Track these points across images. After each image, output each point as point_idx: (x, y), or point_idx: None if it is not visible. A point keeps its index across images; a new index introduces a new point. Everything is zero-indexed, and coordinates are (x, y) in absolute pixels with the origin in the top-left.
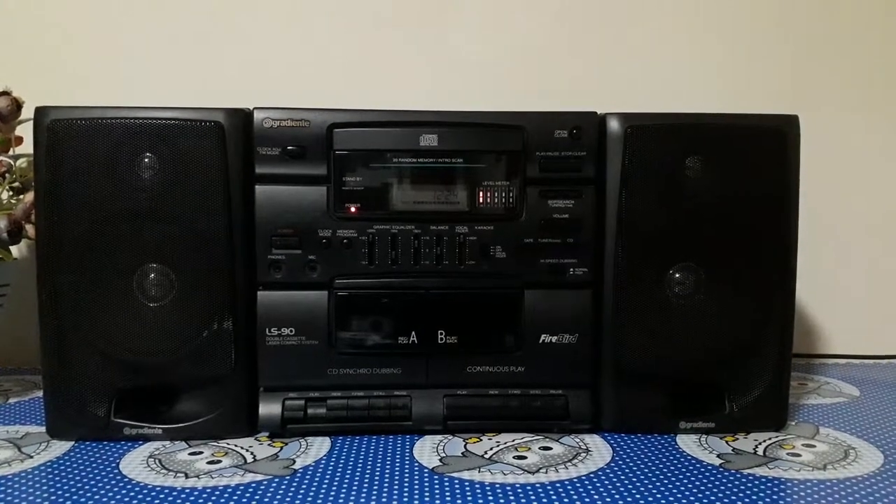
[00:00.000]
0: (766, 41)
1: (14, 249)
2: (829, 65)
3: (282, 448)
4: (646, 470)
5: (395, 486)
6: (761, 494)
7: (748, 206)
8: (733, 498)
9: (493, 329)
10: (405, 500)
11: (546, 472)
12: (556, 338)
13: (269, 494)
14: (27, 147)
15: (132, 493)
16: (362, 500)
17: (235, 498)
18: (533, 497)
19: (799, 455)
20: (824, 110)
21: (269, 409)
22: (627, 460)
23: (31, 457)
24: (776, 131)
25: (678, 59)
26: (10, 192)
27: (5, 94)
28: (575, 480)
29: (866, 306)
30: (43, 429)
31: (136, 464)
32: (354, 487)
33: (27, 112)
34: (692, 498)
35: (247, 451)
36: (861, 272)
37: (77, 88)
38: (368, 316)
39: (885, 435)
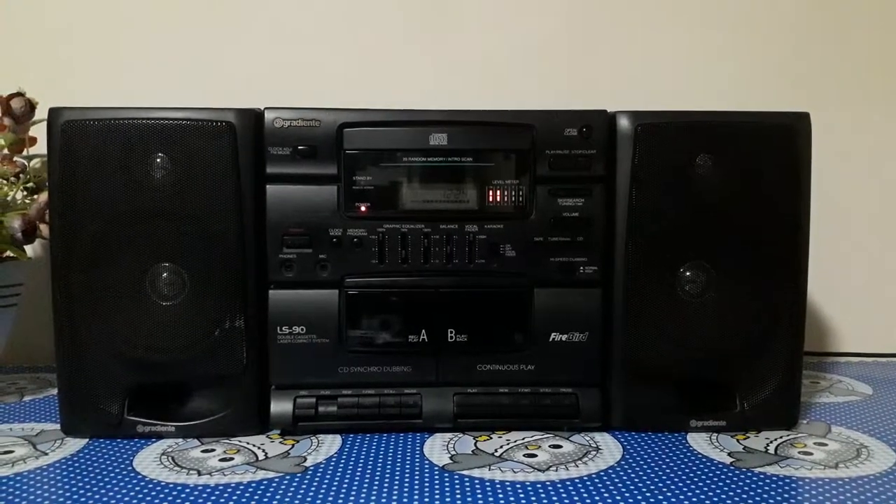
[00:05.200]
0: (774, 39)
1: (28, 249)
2: (836, 63)
3: (293, 446)
4: (656, 468)
5: (406, 484)
6: (772, 493)
7: (759, 204)
8: (744, 496)
9: (502, 327)
10: (415, 497)
11: (556, 471)
12: (565, 336)
13: (280, 492)
14: (41, 147)
15: (145, 491)
16: (373, 497)
17: (248, 495)
18: (543, 495)
19: (811, 454)
20: (833, 107)
21: (280, 406)
22: (638, 458)
23: (46, 454)
24: (787, 128)
25: (688, 57)
26: (25, 193)
27: (19, 95)
28: (585, 478)
29: (879, 304)
30: (58, 426)
31: (149, 461)
32: (365, 485)
33: (41, 113)
34: (702, 496)
35: (258, 448)
36: (874, 269)
37: (89, 89)
38: (379, 314)
39: None
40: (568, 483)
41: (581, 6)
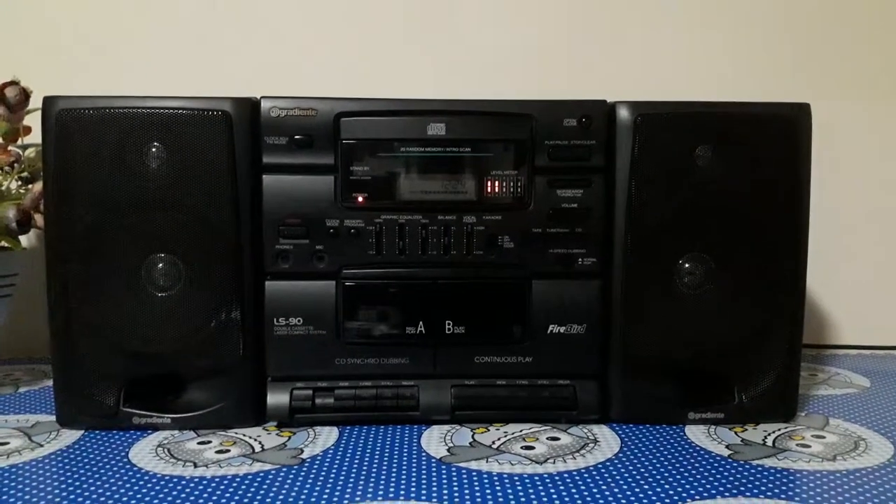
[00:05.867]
0: (774, 30)
1: (23, 239)
2: (838, 55)
3: (290, 438)
4: (654, 461)
5: (403, 476)
6: (770, 485)
7: (758, 195)
8: (742, 489)
9: (500, 319)
10: (413, 489)
11: (554, 463)
12: (564, 328)
13: (277, 484)
14: (35, 137)
15: (141, 482)
16: (370, 489)
17: (244, 487)
18: (541, 487)
19: (808, 446)
20: (833, 99)
21: (277, 398)
22: (636, 451)
23: (42, 445)
24: (787, 119)
25: (688, 48)
26: (19, 182)
27: (13, 83)
28: (583, 471)
29: (877, 296)
30: (53, 418)
31: (145, 453)
32: (362, 477)
33: (35, 102)
34: (700, 489)
35: (255, 440)
36: (872, 262)
37: (85, 78)
38: (376, 306)
39: None
40: (566, 475)
41: (581, 5)
